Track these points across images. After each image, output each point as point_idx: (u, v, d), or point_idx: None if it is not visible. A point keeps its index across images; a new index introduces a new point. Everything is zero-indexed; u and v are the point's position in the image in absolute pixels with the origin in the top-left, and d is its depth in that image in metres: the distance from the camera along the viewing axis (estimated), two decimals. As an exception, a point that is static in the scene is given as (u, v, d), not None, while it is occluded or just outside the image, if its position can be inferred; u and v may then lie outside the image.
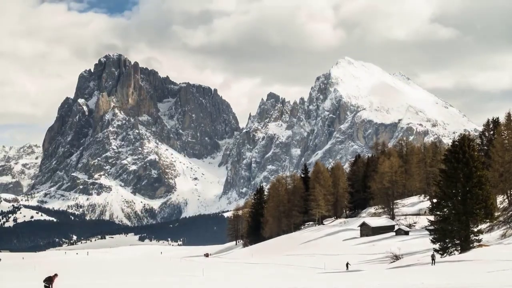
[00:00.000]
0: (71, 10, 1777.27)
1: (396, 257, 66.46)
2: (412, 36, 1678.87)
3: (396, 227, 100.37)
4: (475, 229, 55.87)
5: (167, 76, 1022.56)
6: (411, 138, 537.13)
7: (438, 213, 57.77)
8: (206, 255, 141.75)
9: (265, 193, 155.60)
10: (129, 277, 67.24)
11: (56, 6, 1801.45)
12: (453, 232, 55.68)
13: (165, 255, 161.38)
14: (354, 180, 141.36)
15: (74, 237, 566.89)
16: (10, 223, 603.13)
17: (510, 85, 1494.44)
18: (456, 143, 57.78)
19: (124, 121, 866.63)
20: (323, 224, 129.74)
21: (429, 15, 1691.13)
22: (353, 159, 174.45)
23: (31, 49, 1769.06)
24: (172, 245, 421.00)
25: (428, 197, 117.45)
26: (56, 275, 38.95)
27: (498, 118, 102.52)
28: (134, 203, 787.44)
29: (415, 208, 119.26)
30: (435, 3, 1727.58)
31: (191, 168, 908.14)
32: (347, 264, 64.11)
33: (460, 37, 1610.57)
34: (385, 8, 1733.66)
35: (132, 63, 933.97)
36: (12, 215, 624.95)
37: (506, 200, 78.86)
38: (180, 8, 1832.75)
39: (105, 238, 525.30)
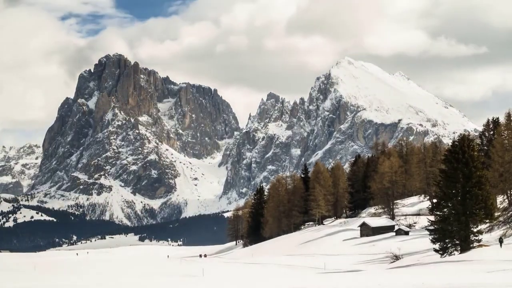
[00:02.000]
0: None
1: (396, 257, 66.46)
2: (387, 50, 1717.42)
3: (396, 227, 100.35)
4: (475, 229, 55.87)
5: (167, 76, 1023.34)
6: (411, 138, 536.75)
7: (438, 213, 57.79)
8: (202, 255, 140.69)
9: (265, 193, 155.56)
10: (130, 277, 67.30)
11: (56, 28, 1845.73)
12: (453, 232, 55.68)
13: (165, 255, 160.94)
14: (354, 180, 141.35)
15: (74, 237, 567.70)
16: (10, 223, 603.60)
17: (480, 97, 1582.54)
18: (456, 143, 57.79)
19: (124, 121, 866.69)
20: (323, 224, 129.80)
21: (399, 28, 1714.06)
22: (353, 159, 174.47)
23: (31, 53, 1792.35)
24: (172, 245, 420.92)
25: (428, 197, 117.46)
26: None
27: (498, 118, 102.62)
28: (134, 203, 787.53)
29: (415, 208, 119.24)
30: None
31: (191, 168, 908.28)
32: (500, 239, 55.39)
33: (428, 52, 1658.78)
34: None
35: (132, 63, 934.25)
36: (12, 215, 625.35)
37: (506, 200, 78.82)
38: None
39: (105, 238, 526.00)
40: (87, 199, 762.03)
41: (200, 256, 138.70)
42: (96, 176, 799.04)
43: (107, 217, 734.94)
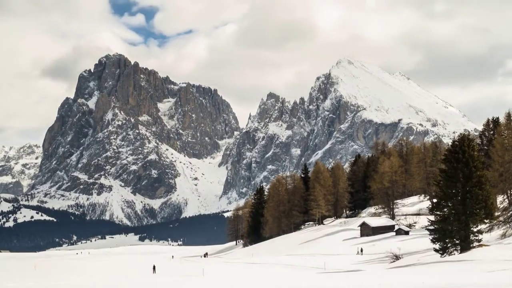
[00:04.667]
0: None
1: (396, 257, 66.41)
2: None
3: (396, 227, 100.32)
4: (475, 229, 55.79)
5: (167, 76, 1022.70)
6: (411, 138, 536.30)
7: (438, 213, 57.65)
8: (205, 255, 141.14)
9: (265, 193, 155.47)
10: (130, 277, 67.32)
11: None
12: (453, 232, 55.60)
13: (165, 255, 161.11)
14: (354, 180, 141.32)
15: (74, 237, 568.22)
16: (10, 223, 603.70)
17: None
18: (456, 143, 57.67)
19: (124, 121, 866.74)
20: (323, 224, 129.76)
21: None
22: (353, 159, 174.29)
23: (31, 54, 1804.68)
24: (172, 245, 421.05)
25: (428, 197, 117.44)
26: None
27: (498, 118, 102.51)
28: (134, 203, 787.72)
29: (415, 208, 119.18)
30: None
31: (191, 168, 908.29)
32: None
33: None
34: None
35: (132, 63, 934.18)
36: (12, 215, 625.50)
37: (506, 200, 78.76)
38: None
39: (105, 238, 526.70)
40: (87, 199, 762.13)
41: (204, 256, 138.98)
42: (96, 176, 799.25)
43: (107, 217, 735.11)
